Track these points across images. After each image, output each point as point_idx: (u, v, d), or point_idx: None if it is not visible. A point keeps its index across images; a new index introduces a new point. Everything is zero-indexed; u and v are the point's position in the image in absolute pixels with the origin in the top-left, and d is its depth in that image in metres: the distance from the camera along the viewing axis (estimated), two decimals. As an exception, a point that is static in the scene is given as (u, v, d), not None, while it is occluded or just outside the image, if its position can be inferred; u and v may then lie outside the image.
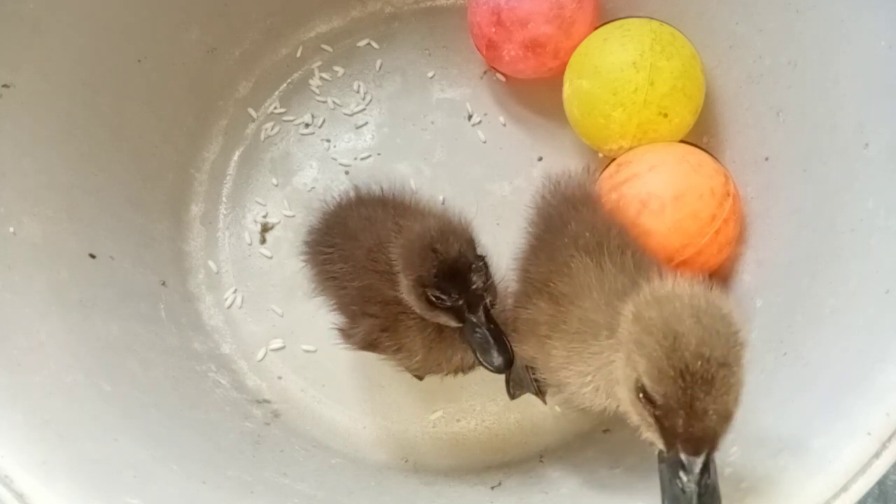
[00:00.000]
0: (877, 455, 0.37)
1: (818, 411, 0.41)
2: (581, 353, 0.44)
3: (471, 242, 0.47)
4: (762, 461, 0.41)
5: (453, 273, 0.45)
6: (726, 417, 0.35)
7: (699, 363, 0.34)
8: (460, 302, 0.46)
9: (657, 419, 0.36)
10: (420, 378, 0.65)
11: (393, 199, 0.59)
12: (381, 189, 0.60)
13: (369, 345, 0.52)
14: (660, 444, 0.37)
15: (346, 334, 0.54)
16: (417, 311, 0.49)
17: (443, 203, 0.69)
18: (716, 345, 0.34)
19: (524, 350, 0.50)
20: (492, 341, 0.46)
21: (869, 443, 0.37)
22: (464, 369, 0.55)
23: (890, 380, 0.38)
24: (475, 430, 0.64)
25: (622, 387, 0.39)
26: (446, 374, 0.55)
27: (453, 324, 0.47)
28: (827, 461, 0.38)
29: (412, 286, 0.47)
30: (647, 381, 0.36)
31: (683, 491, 0.35)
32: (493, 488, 0.57)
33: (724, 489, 0.41)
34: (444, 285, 0.45)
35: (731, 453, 0.44)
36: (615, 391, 0.42)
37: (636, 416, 0.38)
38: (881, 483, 0.62)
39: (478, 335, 0.46)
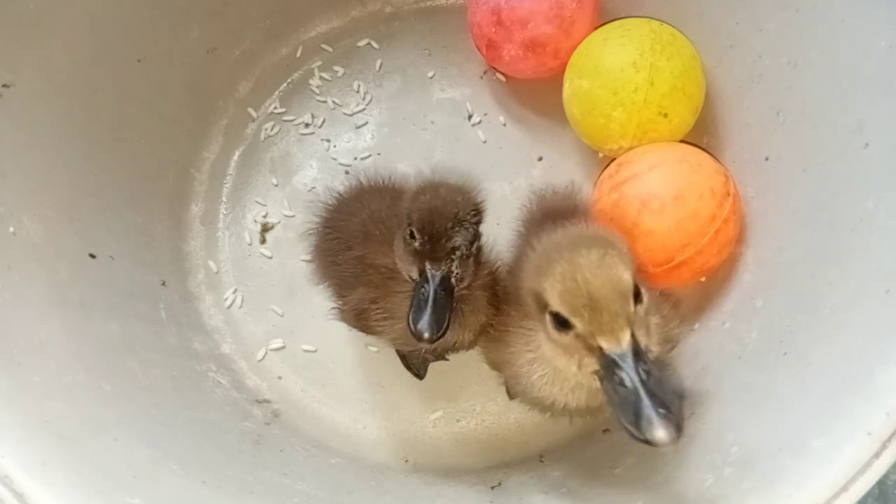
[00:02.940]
0: (877, 455, 0.37)
1: (818, 411, 0.41)
2: (526, 337, 0.45)
3: (475, 208, 0.46)
4: (762, 461, 0.41)
5: (435, 215, 0.44)
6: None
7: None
8: (427, 247, 0.44)
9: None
10: (420, 377, 0.65)
11: (394, 184, 0.59)
12: (384, 179, 0.60)
13: (360, 314, 0.52)
14: (594, 359, 0.39)
15: (341, 309, 0.54)
16: (395, 251, 0.47)
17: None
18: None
19: (495, 356, 0.51)
20: (430, 305, 0.43)
21: (869, 443, 0.37)
22: (444, 354, 0.54)
23: (890, 380, 0.38)
24: (475, 430, 0.64)
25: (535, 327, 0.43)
26: (427, 355, 0.55)
27: (414, 274, 0.45)
28: (827, 461, 0.38)
29: (403, 216, 0.46)
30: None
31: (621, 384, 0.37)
32: (493, 488, 0.57)
33: (724, 489, 0.41)
34: (421, 224, 0.44)
35: (731, 453, 0.44)
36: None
37: (550, 336, 0.41)
38: (881, 483, 0.62)
39: (423, 291, 0.43)
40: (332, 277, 0.56)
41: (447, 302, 0.43)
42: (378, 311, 0.51)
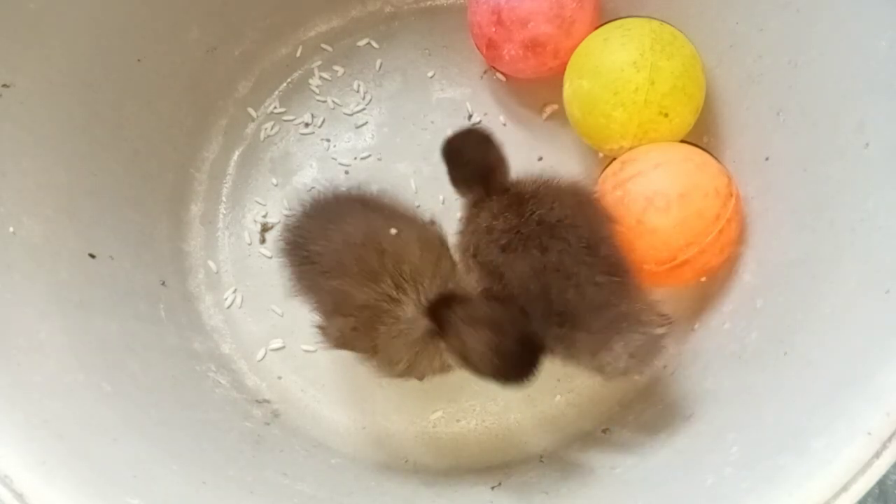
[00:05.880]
0: (877, 455, 0.37)
1: (818, 411, 0.41)
2: None
3: (521, 312, 0.49)
4: (762, 461, 0.41)
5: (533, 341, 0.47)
6: None
7: None
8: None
9: None
10: (420, 378, 0.65)
11: (364, 197, 0.58)
12: (364, 191, 0.58)
13: (342, 343, 0.52)
14: None
15: (323, 331, 0.54)
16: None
17: (442, 203, 0.69)
18: None
19: None
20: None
21: (869, 443, 0.37)
22: (444, 369, 0.54)
23: (890, 380, 0.38)
24: (475, 430, 0.64)
25: None
26: (426, 376, 0.55)
27: None
28: (827, 461, 0.38)
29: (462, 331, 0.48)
30: None
31: None
32: (493, 488, 0.57)
33: (724, 489, 0.42)
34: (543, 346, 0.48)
35: (731, 453, 0.44)
36: None
37: None
38: (881, 483, 0.62)
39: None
40: (312, 302, 0.55)
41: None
42: (363, 344, 0.51)
